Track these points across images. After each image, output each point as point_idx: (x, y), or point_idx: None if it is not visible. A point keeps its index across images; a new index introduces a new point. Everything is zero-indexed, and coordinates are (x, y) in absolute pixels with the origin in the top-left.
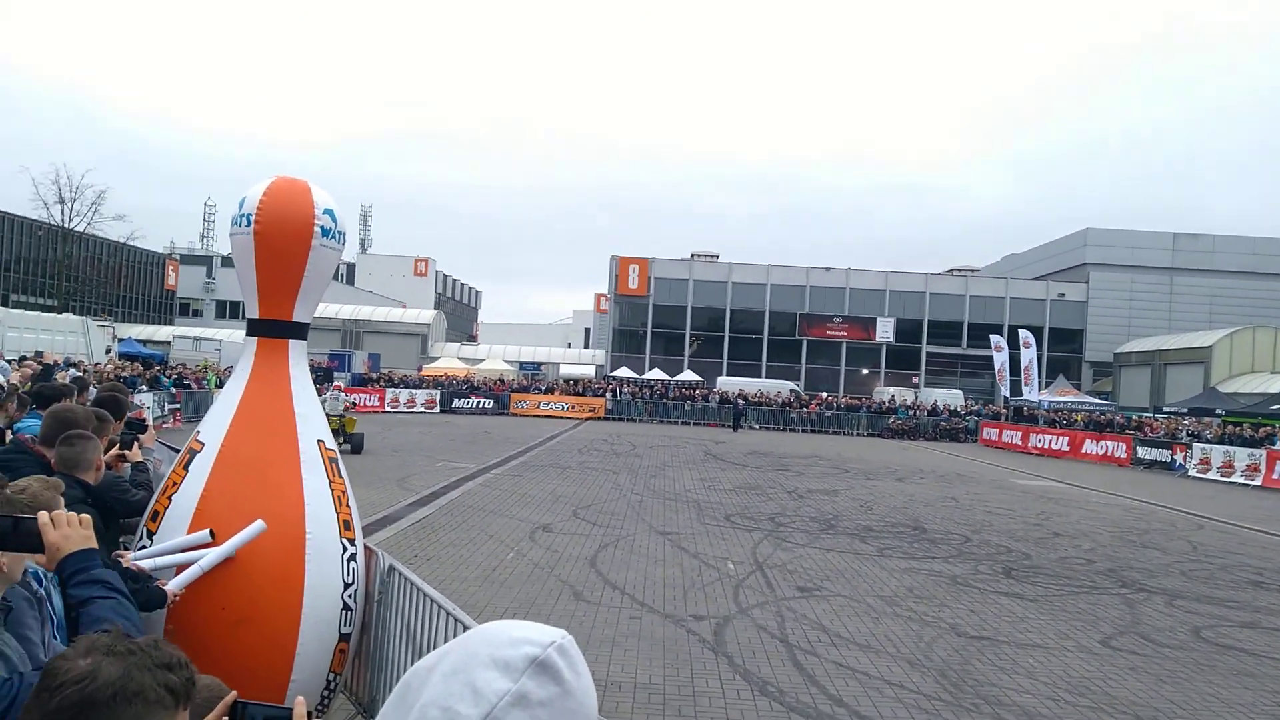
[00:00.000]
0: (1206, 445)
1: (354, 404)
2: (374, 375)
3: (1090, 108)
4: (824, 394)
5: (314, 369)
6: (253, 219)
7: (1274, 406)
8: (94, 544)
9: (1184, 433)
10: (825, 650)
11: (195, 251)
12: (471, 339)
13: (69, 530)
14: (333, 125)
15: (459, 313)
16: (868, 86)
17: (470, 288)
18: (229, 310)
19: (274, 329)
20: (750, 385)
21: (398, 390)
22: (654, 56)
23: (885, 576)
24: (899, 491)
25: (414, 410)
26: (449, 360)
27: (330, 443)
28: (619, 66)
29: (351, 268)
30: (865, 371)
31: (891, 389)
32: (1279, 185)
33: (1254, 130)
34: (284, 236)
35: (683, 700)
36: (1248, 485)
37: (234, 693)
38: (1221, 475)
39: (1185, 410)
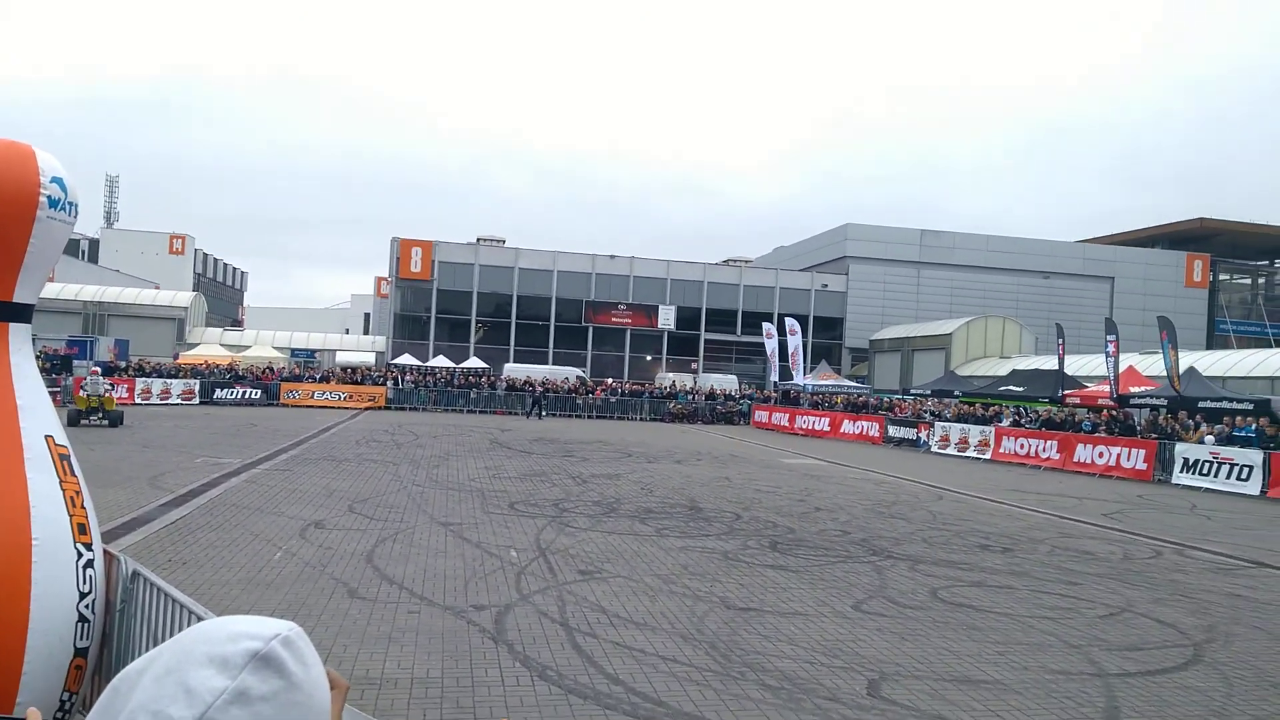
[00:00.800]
0: (946, 424)
1: (111, 386)
2: (122, 364)
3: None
4: (609, 380)
5: (49, 356)
6: None
7: (1001, 388)
8: None
9: (927, 413)
10: (604, 631)
11: None
12: (237, 324)
13: None
14: (77, 80)
15: (222, 295)
16: (654, 85)
17: (235, 268)
18: None
19: None
20: (537, 372)
21: (150, 380)
22: (442, 25)
23: (663, 555)
24: (677, 473)
25: (169, 402)
26: (210, 347)
27: (61, 438)
28: (404, 28)
29: (95, 244)
30: (649, 358)
31: (672, 375)
32: (1013, 189)
33: (999, 136)
34: (2, 207)
35: (460, 691)
36: (979, 459)
37: None
38: (958, 450)
39: (929, 392)
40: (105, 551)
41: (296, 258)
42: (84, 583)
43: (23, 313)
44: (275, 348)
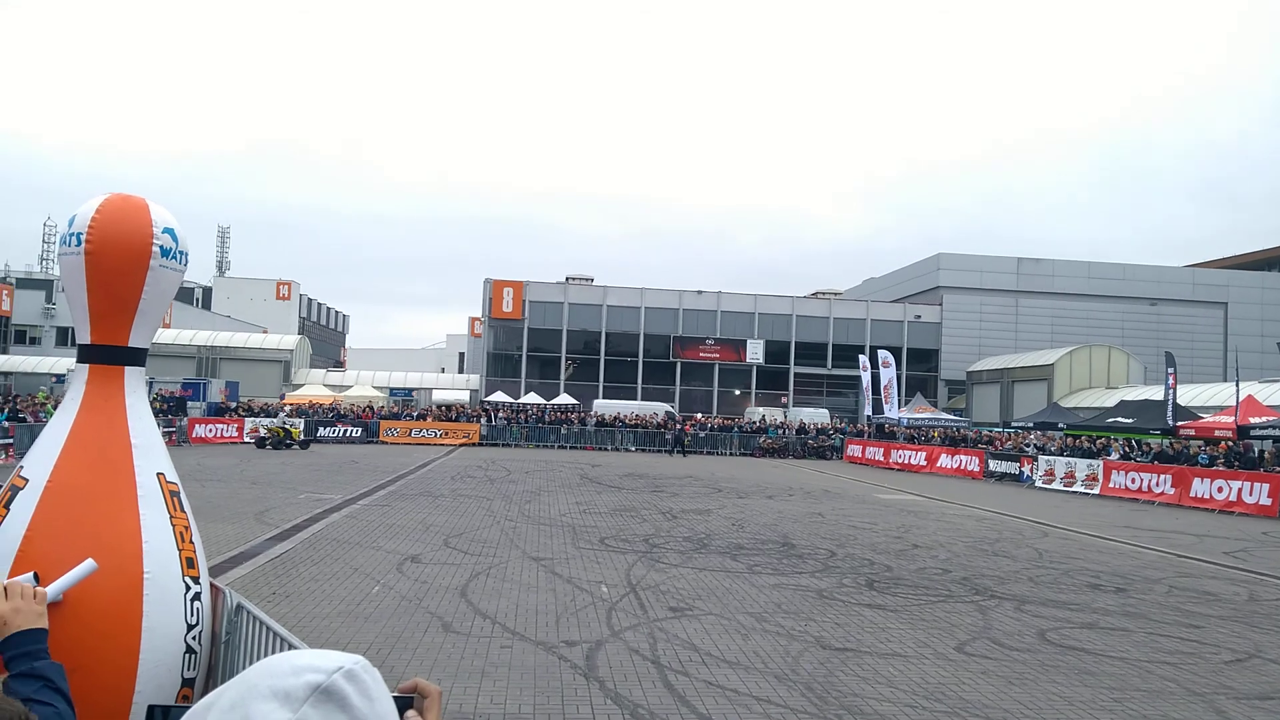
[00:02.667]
0: (1051, 457)
1: (297, 422)
2: (232, 404)
3: (939, 138)
4: (698, 415)
5: (166, 398)
6: (84, 238)
7: (1109, 420)
8: (45, 623)
9: (1030, 446)
10: (696, 669)
11: (33, 275)
12: (339, 365)
13: (20, 603)
14: (185, 142)
15: (325, 338)
16: (727, 123)
17: (337, 312)
18: (72, 337)
19: (108, 355)
20: (626, 408)
21: (257, 419)
22: (520, 69)
23: (755, 593)
24: (769, 509)
25: None
26: (314, 388)
27: (172, 475)
28: (482, 74)
29: (208, 291)
30: (737, 392)
31: (762, 409)
32: (1112, 215)
33: (1092, 163)
34: (118, 257)
35: None
36: (1087, 494)
37: None
38: (1064, 485)
39: (1031, 425)
40: (212, 585)
41: (394, 300)
42: (191, 615)
43: (137, 356)
44: (375, 387)
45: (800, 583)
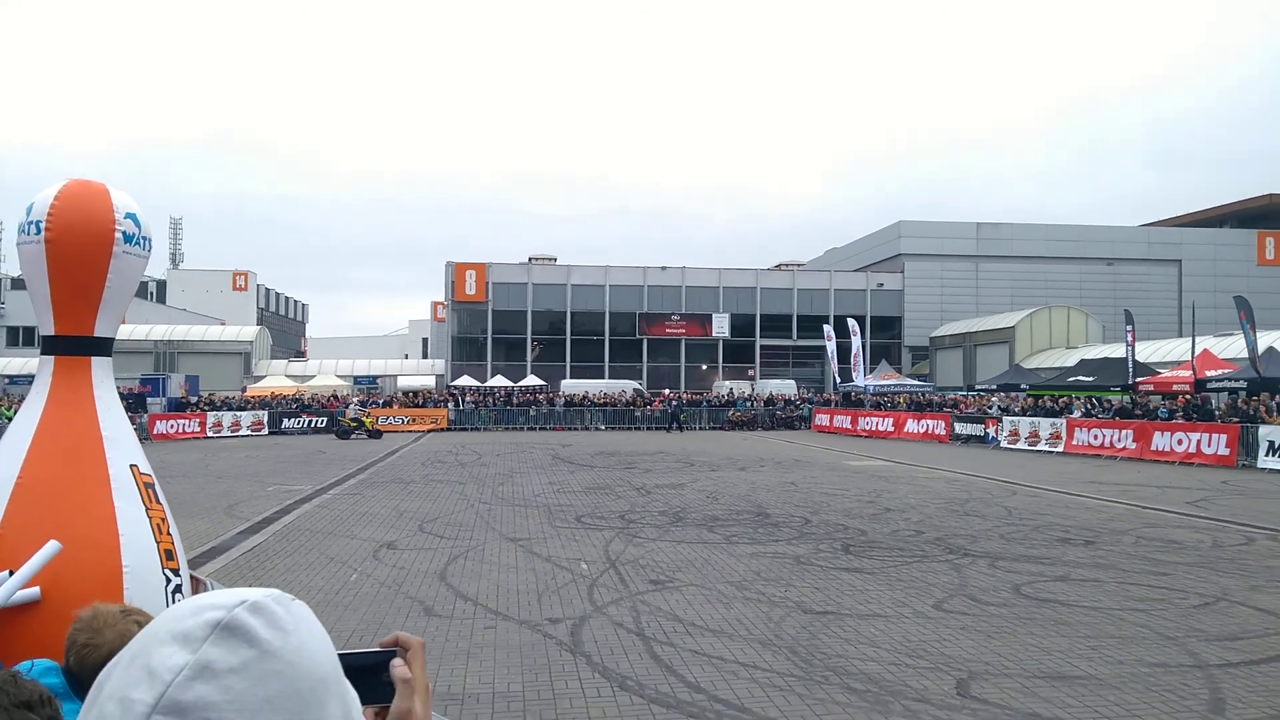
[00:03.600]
0: (1015, 418)
1: (366, 409)
2: (193, 399)
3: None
4: (666, 391)
5: (124, 395)
6: (43, 226)
7: (1070, 379)
8: None
9: (994, 408)
10: (681, 640)
11: None
12: (300, 355)
13: None
14: (133, 130)
15: (285, 328)
16: (677, 89)
17: (296, 301)
18: (21, 337)
19: (73, 345)
20: (594, 387)
21: (220, 413)
22: (474, 45)
23: (733, 562)
24: (742, 480)
25: (239, 433)
26: (276, 378)
27: (145, 467)
28: (434, 51)
29: (163, 285)
30: (704, 367)
31: (729, 383)
32: (1068, 176)
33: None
34: (80, 244)
35: (543, 705)
36: (1052, 452)
37: None
38: (1029, 444)
39: (994, 387)
40: (192, 577)
41: (354, 288)
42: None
43: (103, 346)
44: (339, 376)
45: (777, 550)
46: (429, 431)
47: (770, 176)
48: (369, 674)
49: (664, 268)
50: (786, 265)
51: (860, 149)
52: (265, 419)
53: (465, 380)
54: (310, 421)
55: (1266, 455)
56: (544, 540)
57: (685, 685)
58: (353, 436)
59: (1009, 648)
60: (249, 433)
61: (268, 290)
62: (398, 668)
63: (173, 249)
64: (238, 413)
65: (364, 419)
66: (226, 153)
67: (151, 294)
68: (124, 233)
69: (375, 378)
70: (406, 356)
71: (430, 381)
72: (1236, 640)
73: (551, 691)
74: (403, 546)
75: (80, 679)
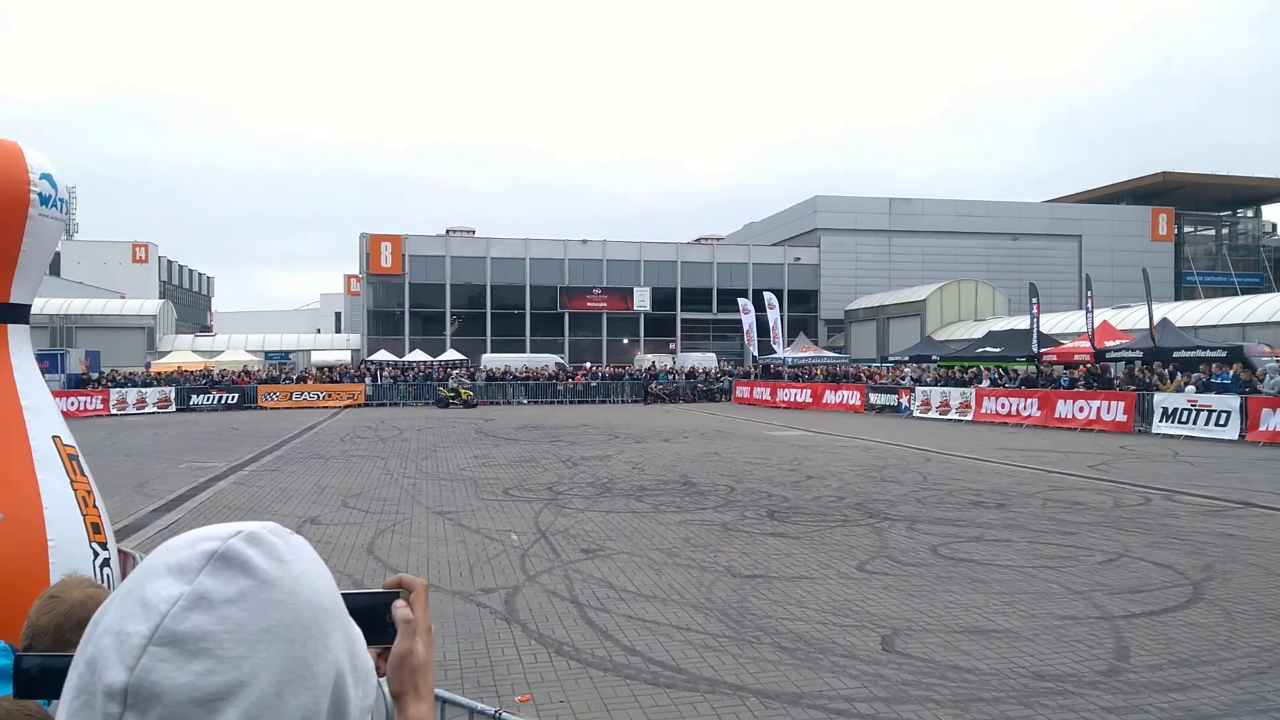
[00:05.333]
0: (926, 388)
1: (469, 382)
2: (94, 375)
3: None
4: (588, 365)
5: None
6: None
7: (978, 350)
8: None
9: (907, 378)
10: (615, 605)
11: None
12: (206, 330)
13: None
14: (13, 89)
15: (190, 301)
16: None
17: (201, 274)
18: None
19: None
20: (515, 361)
21: (124, 390)
22: (387, 20)
23: (663, 530)
24: (667, 451)
25: (145, 411)
26: (182, 354)
27: (69, 439)
28: (344, 24)
29: (56, 257)
30: (626, 340)
31: (651, 356)
32: (973, 153)
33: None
34: None
35: (480, 672)
36: (961, 420)
37: None
38: (940, 413)
39: (907, 358)
40: (120, 551)
41: (262, 260)
42: (102, 581)
43: (20, 313)
44: (248, 351)
45: (705, 518)
46: (346, 407)
47: (688, 155)
48: (371, 615)
49: (585, 241)
50: (706, 239)
51: (776, 138)
52: (173, 396)
53: (382, 354)
54: (221, 398)
55: (1161, 421)
56: (472, 513)
57: (621, 648)
58: (450, 405)
59: (929, 605)
60: (155, 410)
61: (170, 262)
62: (399, 609)
63: (66, 219)
64: (143, 389)
65: (461, 390)
66: (119, 114)
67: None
68: (40, 194)
69: (287, 353)
70: (319, 331)
71: (346, 356)
72: (1138, 593)
73: (489, 659)
74: (327, 522)
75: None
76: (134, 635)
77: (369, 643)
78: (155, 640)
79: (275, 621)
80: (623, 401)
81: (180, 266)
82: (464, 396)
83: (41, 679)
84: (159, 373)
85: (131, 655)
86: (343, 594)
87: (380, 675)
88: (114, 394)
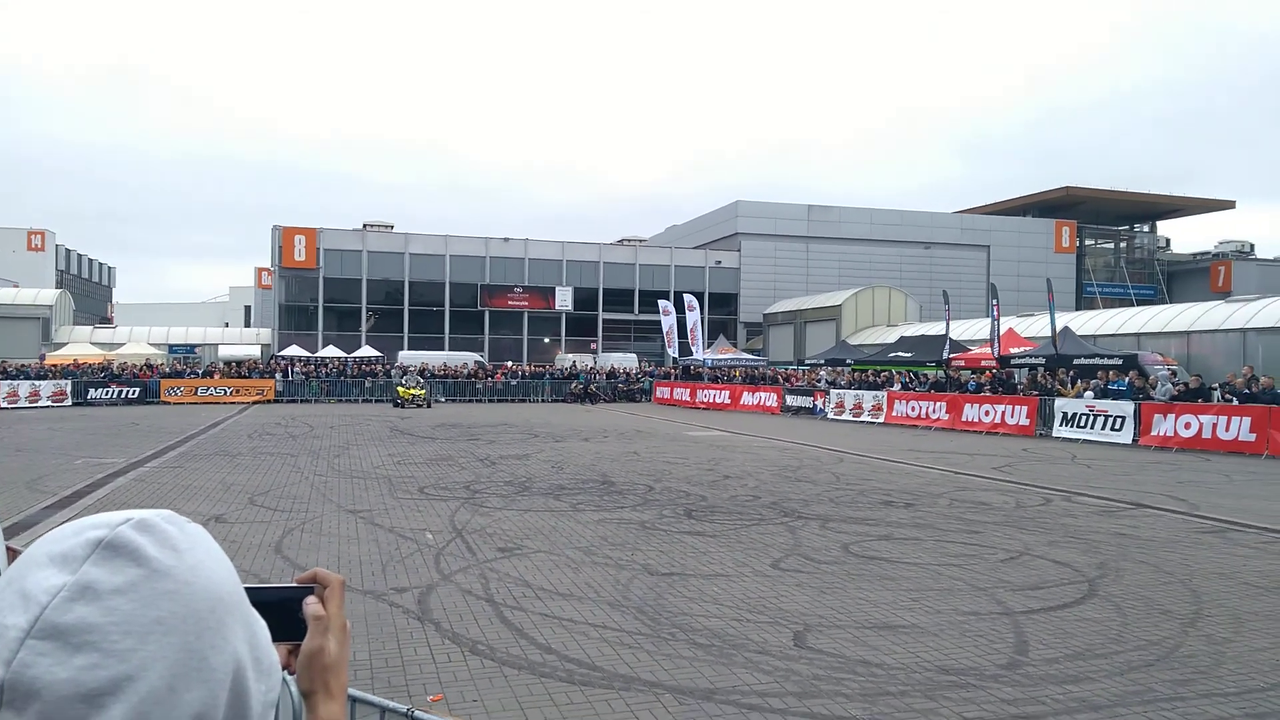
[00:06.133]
0: (840, 391)
1: (422, 382)
2: None
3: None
4: (509, 364)
5: None
6: None
7: (891, 355)
8: None
9: (822, 381)
10: (531, 604)
11: None
12: (106, 321)
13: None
14: None
15: (89, 292)
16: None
17: (101, 264)
18: None
19: None
20: (434, 358)
21: (16, 382)
22: (305, 13)
23: (580, 529)
24: (586, 450)
25: (39, 404)
26: (80, 346)
27: None
28: (255, 28)
29: None
30: (547, 340)
31: (572, 355)
32: (898, 167)
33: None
34: None
35: (391, 671)
36: (874, 423)
37: None
38: (853, 416)
39: (822, 361)
40: (9, 548)
41: (167, 252)
42: None
43: None
44: (151, 344)
45: (623, 516)
46: (254, 403)
47: (611, 163)
48: (282, 610)
49: (506, 239)
50: (629, 240)
51: (699, 148)
52: (69, 389)
53: (294, 350)
54: (121, 392)
55: (1061, 425)
56: (386, 511)
57: (536, 647)
58: (406, 406)
59: (840, 601)
60: (50, 404)
61: (68, 251)
62: (311, 604)
63: None
64: (36, 382)
65: (416, 390)
66: (13, 86)
67: None
68: None
69: (193, 346)
70: (227, 325)
71: (255, 351)
72: (1038, 589)
73: (400, 659)
74: (232, 520)
75: None
76: (11, 629)
77: (280, 638)
78: (34, 633)
79: (167, 613)
80: (543, 400)
81: (80, 256)
82: (415, 396)
83: None
84: (54, 365)
85: (8, 649)
86: (252, 588)
87: (291, 672)
88: (4, 386)
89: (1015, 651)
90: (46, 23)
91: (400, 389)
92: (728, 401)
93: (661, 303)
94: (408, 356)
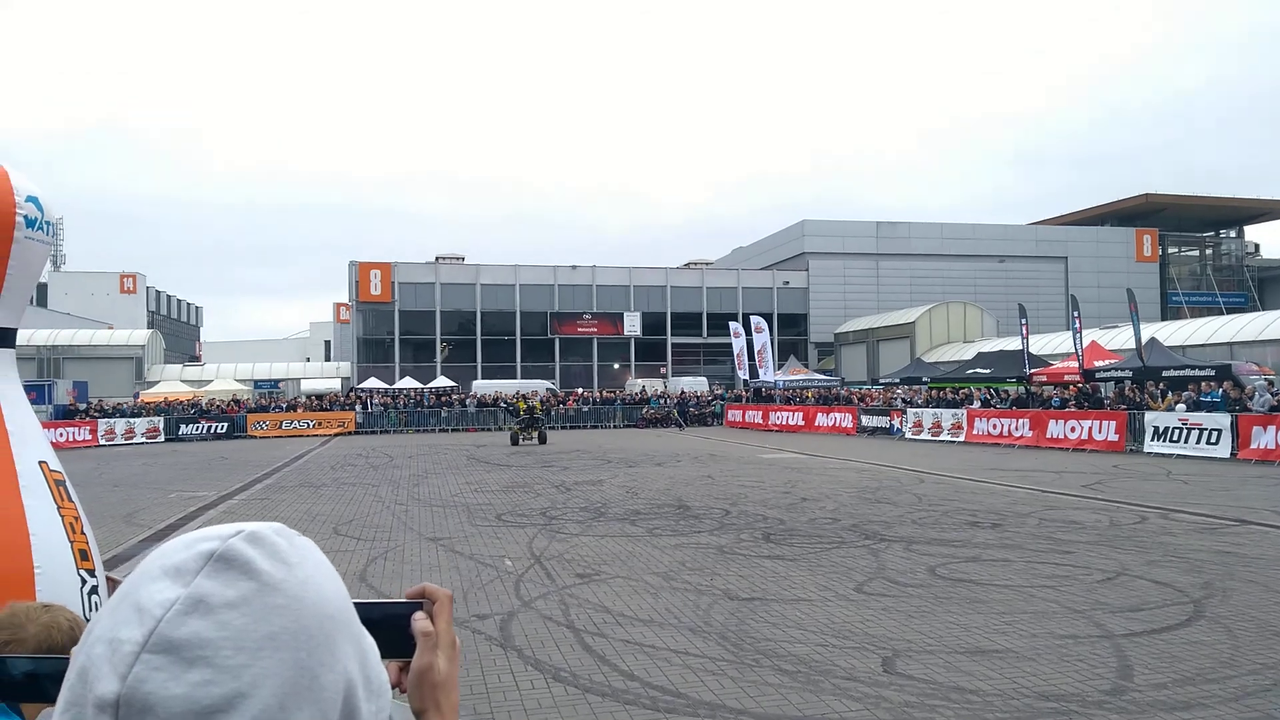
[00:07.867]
0: (918, 410)
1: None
2: (81, 406)
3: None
4: (579, 390)
5: None
6: None
7: (968, 371)
8: None
9: (898, 400)
10: (611, 630)
11: None
12: (195, 359)
13: None
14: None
15: (178, 331)
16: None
17: (189, 304)
18: None
19: None
20: (506, 387)
21: (112, 420)
22: (378, 47)
23: (658, 554)
24: (660, 475)
25: (133, 441)
26: (171, 384)
27: (55, 464)
28: (341, 55)
29: (43, 288)
30: (616, 365)
31: (642, 380)
32: (953, 178)
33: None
34: None
35: (476, 699)
36: (954, 441)
37: None
38: (932, 435)
39: (897, 380)
40: (108, 578)
41: (250, 290)
42: (89, 609)
43: (6, 337)
44: (237, 380)
45: (700, 541)
46: (335, 435)
47: (667, 184)
48: (391, 627)
49: (574, 267)
50: (695, 264)
51: (752, 168)
52: (161, 425)
53: (373, 382)
54: (210, 427)
55: (1152, 440)
56: (465, 539)
57: (619, 674)
58: (521, 441)
59: (929, 626)
60: (144, 440)
61: (158, 293)
62: (419, 620)
63: (54, 250)
64: (131, 419)
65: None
66: (105, 146)
67: (31, 298)
68: (25, 216)
69: (277, 381)
70: (309, 359)
71: (335, 384)
72: (1138, 611)
73: (485, 685)
74: None
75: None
76: (126, 642)
77: (389, 655)
78: (149, 647)
79: (279, 628)
80: (614, 426)
81: (168, 296)
82: (534, 423)
83: (27, 684)
84: (147, 403)
85: (124, 664)
86: (360, 603)
87: (401, 690)
88: (102, 424)
89: (1119, 677)
90: (133, 84)
91: (512, 426)
92: (801, 423)
93: (732, 325)
94: (482, 385)
